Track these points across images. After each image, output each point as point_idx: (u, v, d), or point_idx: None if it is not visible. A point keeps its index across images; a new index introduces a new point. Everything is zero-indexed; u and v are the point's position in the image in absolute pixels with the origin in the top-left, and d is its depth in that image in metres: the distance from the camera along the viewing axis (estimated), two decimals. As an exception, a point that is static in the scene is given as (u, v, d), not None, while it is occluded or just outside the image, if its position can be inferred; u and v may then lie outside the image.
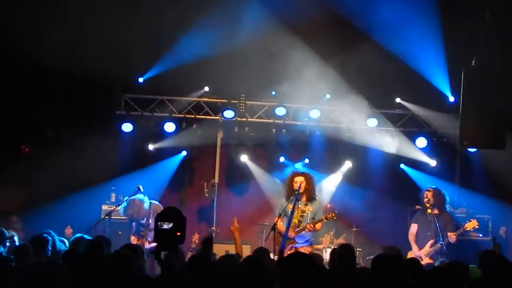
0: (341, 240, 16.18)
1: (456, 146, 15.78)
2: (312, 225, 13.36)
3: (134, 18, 16.46)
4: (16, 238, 11.60)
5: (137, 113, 17.69)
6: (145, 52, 16.94)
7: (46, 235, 10.86)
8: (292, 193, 13.57)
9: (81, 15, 16.40)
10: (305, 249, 13.25)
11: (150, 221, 14.60)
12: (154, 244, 13.56)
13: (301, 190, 13.53)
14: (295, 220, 13.44)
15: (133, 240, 14.61)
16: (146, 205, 14.84)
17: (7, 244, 11.36)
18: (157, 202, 15.24)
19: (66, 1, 16.08)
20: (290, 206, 13.40)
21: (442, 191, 14.78)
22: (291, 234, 13.32)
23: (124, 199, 15.08)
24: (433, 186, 14.91)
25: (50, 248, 10.66)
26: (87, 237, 11.40)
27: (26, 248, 10.31)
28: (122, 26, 16.45)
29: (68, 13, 16.39)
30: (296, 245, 13.35)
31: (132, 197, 14.81)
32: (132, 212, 14.85)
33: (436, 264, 11.92)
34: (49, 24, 16.28)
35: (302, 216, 13.53)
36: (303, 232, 13.45)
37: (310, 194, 13.72)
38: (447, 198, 14.81)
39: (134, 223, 15.04)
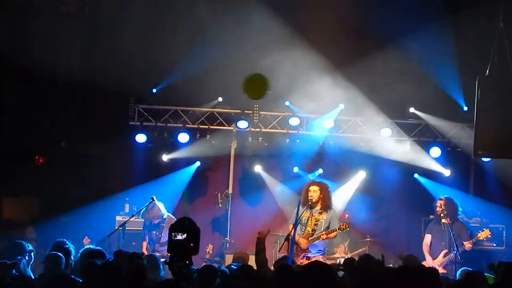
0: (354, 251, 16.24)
1: (470, 155, 15.72)
2: (326, 235, 13.35)
3: (147, 29, 16.52)
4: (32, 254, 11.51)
5: (151, 124, 17.71)
6: (159, 63, 16.96)
7: (67, 246, 10.82)
8: (307, 202, 13.59)
9: (95, 27, 16.48)
10: (317, 259, 13.24)
11: (162, 234, 14.65)
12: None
13: (314, 200, 13.54)
14: (309, 229, 13.47)
15: (145, 248, 14.72)
16: (163, 212, 14.91)
17: (27, 258, 11.28)
18: (172, 215, 15.26)
19: (81, 14, 16.19)
20: (306, 215, 13.45)
21: (453, 200, 14.71)
22: (304, 243, 13.33)
23: (141, 209, 15.13)
24: (444, 196, 14.84)
25: (73, 259, 10.63)
26: (94, 247, 11.32)
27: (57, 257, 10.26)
28: (136, 38, 16.55)
29: (83, 26, 16.48)
30: (309, 255, 13.33)
31: (153, 203, 14.88)
32: (148, 215, 14.91)
33: (459, 273, 11.85)
34: (64, 36, 16.38)
35: (316, 224, 13.52)
36: (317, 241, 13.43)
37: (325, 203, 13.69)
38: (459, 207, 14.75)
39: (147, 236, 15.09)
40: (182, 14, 16.21)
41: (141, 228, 15.43)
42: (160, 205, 14.97)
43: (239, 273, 9.09)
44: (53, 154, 17.85)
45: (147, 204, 14.82)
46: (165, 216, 14.96)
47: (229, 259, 15.14)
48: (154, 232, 14.95)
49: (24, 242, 11.25)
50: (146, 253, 14.61)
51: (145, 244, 14.96)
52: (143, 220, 15.36)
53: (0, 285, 8.80)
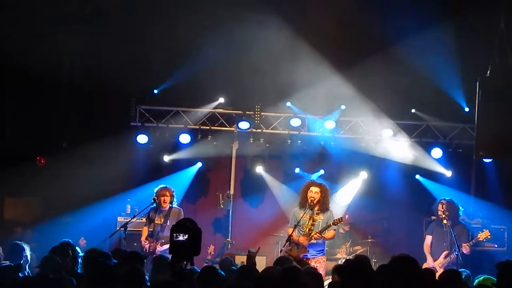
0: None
1: (472, 156, 15.71)
2: (318, 233, 13.36)
3: (149, 31, 16.54)
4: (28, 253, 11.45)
5: (153, 125, 17.73)
6: (160, 64, 17.00)
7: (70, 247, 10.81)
8: (306, 202, 13.62)
9: (96, 28, 16.49)
10: (317, 260, 13.32)
11: (168, 223, 14.53)
12: (166, 247, 13.58)
13: (315, 201, 13.56)
14: (306, 229, 13.49)
15: (145, 239, 14.61)
16: (175, 198, 14.86)
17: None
18: (178, 207, 15.08)
19: (82, 15, 16.20)
20: (305, 216, 13.49)
21: (455, 202, 14.69)
22: (303, 242, 13.36)
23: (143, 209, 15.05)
24: (446, 198, 14.80)
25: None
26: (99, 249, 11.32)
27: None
28: (137, 38, 16.56)
29: (84, 26, 16.49)
30: (308, 255, 13.33)
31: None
32: (162, 193, 14.76)
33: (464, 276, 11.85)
34: (66, 37, 16.40)
35: (313, 224, 13.55)
36: (314, 241, 13.42)
37: (324, 205, 13.74)
38: (461, 209, 14.74)
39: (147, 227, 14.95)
40: (184, 14, 16.22)
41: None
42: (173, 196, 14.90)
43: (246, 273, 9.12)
44: (54, 155, 17.86)
45: (148, 205, 14.77)
46: (173, 205, 14.80)
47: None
48: (160, 222, 14.77)
49: (23, 245, 11.24)
50: (144, 240, 14.55)
51: (145, 229, 14.78)
52: (146, 214, 15.22)
53: (6, 286, 8.82)
